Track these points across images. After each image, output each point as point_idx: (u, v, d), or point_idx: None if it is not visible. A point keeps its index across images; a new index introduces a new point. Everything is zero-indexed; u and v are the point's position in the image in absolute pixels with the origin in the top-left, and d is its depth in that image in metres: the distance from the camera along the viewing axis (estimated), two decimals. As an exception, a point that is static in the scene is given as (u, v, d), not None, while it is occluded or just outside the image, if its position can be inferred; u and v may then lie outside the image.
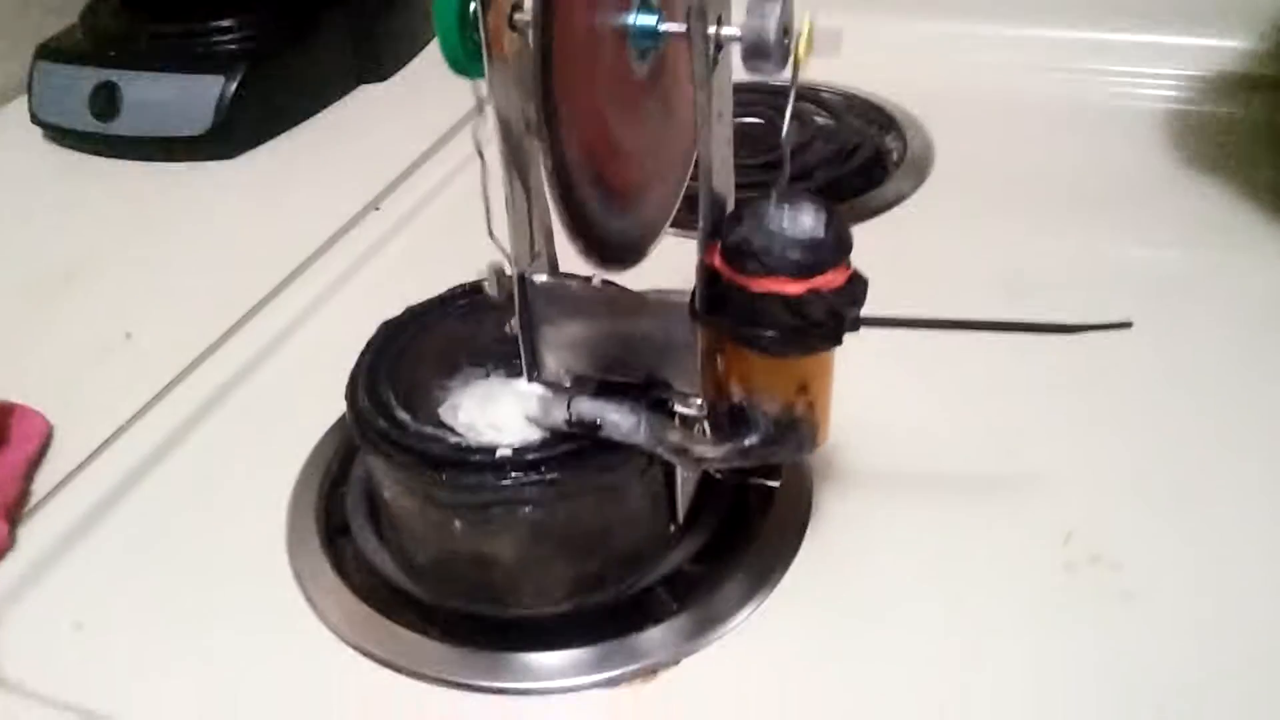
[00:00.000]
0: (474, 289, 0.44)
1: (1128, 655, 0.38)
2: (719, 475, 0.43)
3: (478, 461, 0.36)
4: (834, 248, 0.33)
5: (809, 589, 0.41)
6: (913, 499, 0.45)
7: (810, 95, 0.75)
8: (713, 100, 0.31)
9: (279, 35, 0.76)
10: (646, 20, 0.31)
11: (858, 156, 0.67)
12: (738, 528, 0.43)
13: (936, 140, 0.70)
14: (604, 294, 0.37)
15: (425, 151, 0.72)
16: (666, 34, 0.31)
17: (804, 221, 0.33)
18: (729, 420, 0.37)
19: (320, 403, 0.49)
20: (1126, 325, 0.34)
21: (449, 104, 0.77)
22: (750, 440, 0.36)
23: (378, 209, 0.67)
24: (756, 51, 0.30)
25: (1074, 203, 0.64)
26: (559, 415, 0.36)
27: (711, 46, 0.30)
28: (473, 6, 0.32)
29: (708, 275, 0.34)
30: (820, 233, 0.33)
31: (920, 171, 0.67)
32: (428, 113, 0.78)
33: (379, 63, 0.83)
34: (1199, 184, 0.64)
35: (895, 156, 0.69)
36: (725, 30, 0.30)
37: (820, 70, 0.76)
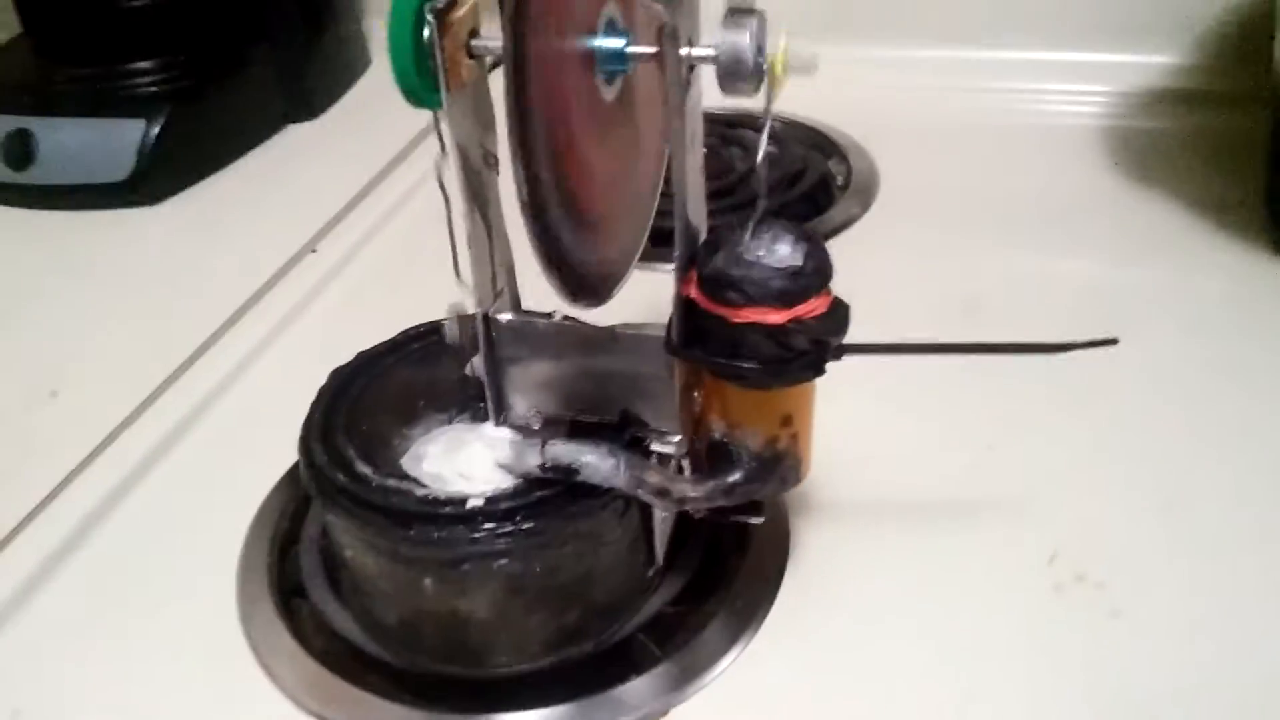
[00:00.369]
0: (428, 331, 0.43)
1: (1118, 673, 0.37)
2: (698, 514, 0.41)
3: (448, 514, 0.34)
4: (815, 275, 0.32)
5: (794, 626, 0.40)
6: (891, 528, 0.44)
7: (750, 122, 0.74)
8: (686, 125, 0.30)
9: (202, 75, 0.73)
10: (614, 43, 0.30)
11: (803, 182, 0.67)
12: (716, 566, 0.42)
13: (880, 164, 0.70)
14: (573, 331, 0.36)
15: (360, 191, 0.70)
16: (636, 56, 0.30)
17: (782, 249, 0.32)
18: (709, 457, 0.36)
19: (265, 457, 0.47)
20: (1112, 342, 0.33)
21: (380, 142, 0.76)
22: (733, 477, 0.35)
23: (314, 251, 0.64)
24: (732, 73, 0.29)
25: (1021, 221, 0.64)
26: (532, 460, 0.35)
27: (684, 69, 0.29)
28: (426, 33, 0.30)
29: (685, 307, 0.33)
30: (800, 260, 0.32)
31: (866, 195, 0.67)
32: (359, 151, 0.76)
33: (307, 101, 0.81)
34: (1140, 198, 0.65)
35: (840, 181, 0.69)
36: (698, 51, 0.29)
37: (755, 97, 0.76)
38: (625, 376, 0.36)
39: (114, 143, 0.69)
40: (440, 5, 0.29)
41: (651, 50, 0.30)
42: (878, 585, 0.41)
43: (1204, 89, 0.73)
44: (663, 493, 0.35)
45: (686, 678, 0.38)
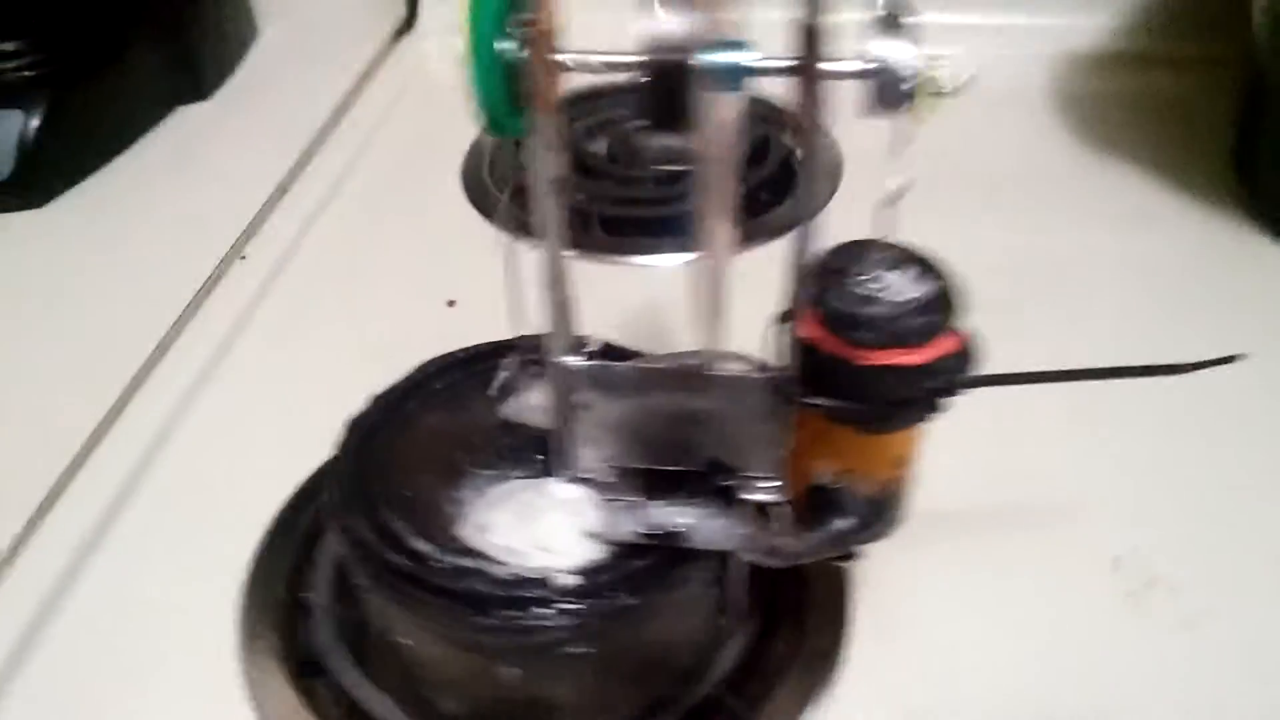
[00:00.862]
0: (446, 366, 0.38)
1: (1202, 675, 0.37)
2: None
3: (536, 596, 0.30)
4: (948, 307, 0.29)
5: (872, 660, 0.37)
6: (947, 534, 0.41)
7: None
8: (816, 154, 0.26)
9: (80, 55, 0.63)
10: (734, 58, 0.25)
11: (768, 163, 0.63)
12: (780, 604, 0.39)
13: (837, 138, 0.67)
14: (657, 374, 0.31)
15: (281, 182, 0.63)
16: (760, 70, 0.26)
17: (906, 279, 0.29)
18: (812, 504, 0.32)
19: (239, 509, 0.42)
20: (1239, 358, 0.32)
21: (286, 123, 0.69)
22: (843, 525, 0.32)
23: (243, 258, 0.57)
24: (889, 93, 0.25)
25: (991, 193, 0.62)
26: (629, 527, 0.31)
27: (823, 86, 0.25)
28: (506, 45, 0.25)
29: (803, 350, 0.29)
30: (930, 291, 0.29)
31: (831, 173, 0.64)
32: (264, 134, 0.69)
33: (197, 79, 0.72)
34: (1100, 163, 0.65)
35: (800, 158, 0.65)
36: (847, 65, 0.25)
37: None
38: (706, 418, 0.32)
39: (-14, 139, 0.59)
40: (528, 18, 0.25)
41: (783, 64, 0.26)
42: (944, 599, 0.39)
43: (1144, 50, 0.73)
44: (772, 551, 0.31)
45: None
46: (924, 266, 0.29)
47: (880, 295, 0.28)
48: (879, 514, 0.32)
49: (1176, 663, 0.37)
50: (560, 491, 0.33)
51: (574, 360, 0.31)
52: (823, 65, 0.25)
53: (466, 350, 0.38)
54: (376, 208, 0.63)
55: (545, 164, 0.27)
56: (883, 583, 0.40)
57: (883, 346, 0.28)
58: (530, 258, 0.30)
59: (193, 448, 0.46)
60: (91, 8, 0.65)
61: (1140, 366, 0.31)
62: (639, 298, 0.52)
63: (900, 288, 0.29)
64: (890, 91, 0.25)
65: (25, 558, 0.41)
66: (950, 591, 0.40)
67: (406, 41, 0.80)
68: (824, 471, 0.32)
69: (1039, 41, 0.74)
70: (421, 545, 0.31)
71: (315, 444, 0.41)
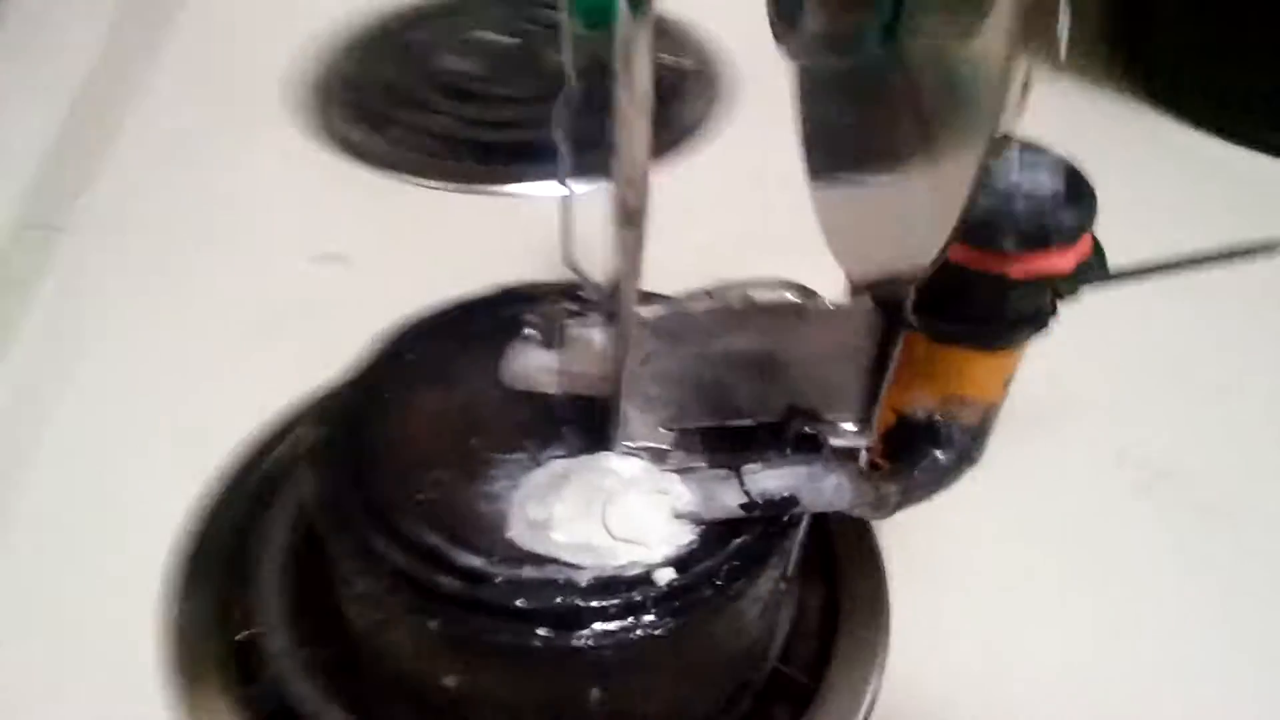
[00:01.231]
0: (418, 331, 0.31)
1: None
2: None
3: (640, 600, 0.24)
4: (1091, 199, 0.25)
5: (917, 608, 0.34)
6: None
7: None
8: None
9: None
10: None
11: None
12: (812, 556, 0.35)
13: (729, 51, 0.61)
14: (743, 314, 0.26)
15: (62, 132, 0.51)
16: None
17: (1045, 176, 0.25)
18: (903, 442, 0.28)
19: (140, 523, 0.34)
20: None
21: (75, 42, 0.56)
22: (943, 459, 0.28)
23: (60, 230, 0.46)
24: None
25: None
26: (732, 499, 0.25)
27: None
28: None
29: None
30: (1065, 184, 0.25)
31: (716, 89, 0.59)
32: (46, 58, 0.56)
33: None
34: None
35: (686, 73, 0.59)
36: None
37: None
38: (784, 361, 0.27)
39: None
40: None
41: None
42: (966, 521, 0.36)
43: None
44: (880, 501, 0.27)
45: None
46: (1060, 160, 0.25)
47: (1036, 195, 0.24)
48: (978, 442, 0.28)
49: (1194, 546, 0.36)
50: (624, 468, 0.27)
51: (645, 310, 0.25)
52: None
53: (437, 312, 0.31)
54: (199, 148, 0.52)
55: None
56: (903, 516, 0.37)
57: (1032, 250, 0.24)
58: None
59: (60, 472, 0.37)
60: None
61: (1244, 248, 0.29)
62: (524, 230, 0.45)
63: (1047, 184, 0.25)
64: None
65: None
66: (971, 511, 0.37)
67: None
68: (922, 403, 0.27)
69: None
70: (471, 559, 0.25)
71: (222, 436, 0.35)
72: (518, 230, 0.45)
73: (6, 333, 0.41)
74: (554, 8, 0.60)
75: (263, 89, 0.55)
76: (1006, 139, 0.19)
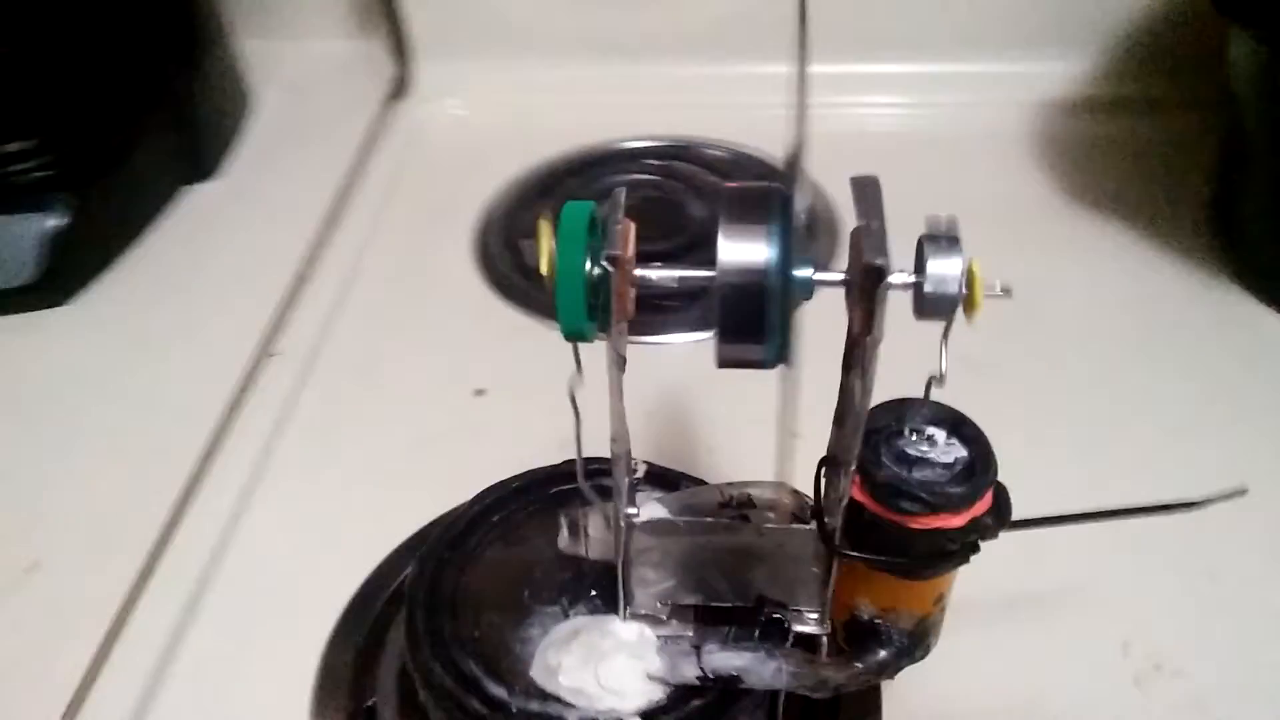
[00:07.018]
0: (501, 497, 0.40)
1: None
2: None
3: (610, 741, 0.32)
4: (985, 470, 0.31)
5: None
6: (974, 633, 0.44)
7: (695, 155, 0.73)
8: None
9: (93, 153, 0.64)
10: (802, 273, 0.28)
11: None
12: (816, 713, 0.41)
13: (831, 194, 0.69)
14: (712, 526, 0.34)
15: (297, 271, 0.64)
16: (821, 283, 0.28)
17: (940, 437, 0.31)
18: (852, 636, 0.35)
19: (303, 617, 0.44)
20: (1242, 493, 0.35)
21: (297, 201, 0.71)
22: (883, 655, 0.35)
23: (273, 355, 0.59)
24: (936, 302, 0.27)
25: (967, 238, 0.64)
26: (690, 671, 0.33)
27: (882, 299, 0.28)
28: (592, 269, 0.28)
29: (851, 508, 0.32)
30: (969, 454, 0.31)
31: (831, 229, 0.66)
32: (272, 213, 0.71)
33: (200, 158, 0.73)
34: (1074, 207, 0.68)
35: (803, 217, 0.67)
36: (898, 278, 0.27)
37: (696, 123, 0.74)
38: (756, 557, 0.35)
39: (10, 242, 0.60)
40: (615, 253, 0.27)
41: (838, 278, 0.28)
42: (966, 686, 0.42)
43: (1116, 95, 0.76)
44: (820, 684, 0.34)
45: None
46: (956, 420, 0.32)
47: (924, 458, 0.31)
48: (917, 643, 0.35)
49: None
50: (622, 631, 0.35)
51: (634, 513, 0.33)
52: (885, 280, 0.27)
53: (520, 478, 0.41)
54: (393, 290, 0.64)
55: (617, 345, 0.29)
56: (907, 679, 0.42)
57: (927, 513, 0.31)
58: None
59: (248, 560, 0.48)
60: (100, 102, 0.66)
61: (1153, 506, 0.34)
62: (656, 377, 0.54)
63: (942, 449, 0.31)
64: (939, 303, 0.27)
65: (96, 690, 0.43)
66: (972, 677, 0.42)
67: (402, 106, 0.82)
68: (865, 609, 0.34)
69: (1015, 87, 0.77)
70: (498, 690, 0.34)
71: (372, 545, 0.44)
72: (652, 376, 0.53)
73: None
74: (692, 162, 0.70)
75: (450, 238, 0.68)
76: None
